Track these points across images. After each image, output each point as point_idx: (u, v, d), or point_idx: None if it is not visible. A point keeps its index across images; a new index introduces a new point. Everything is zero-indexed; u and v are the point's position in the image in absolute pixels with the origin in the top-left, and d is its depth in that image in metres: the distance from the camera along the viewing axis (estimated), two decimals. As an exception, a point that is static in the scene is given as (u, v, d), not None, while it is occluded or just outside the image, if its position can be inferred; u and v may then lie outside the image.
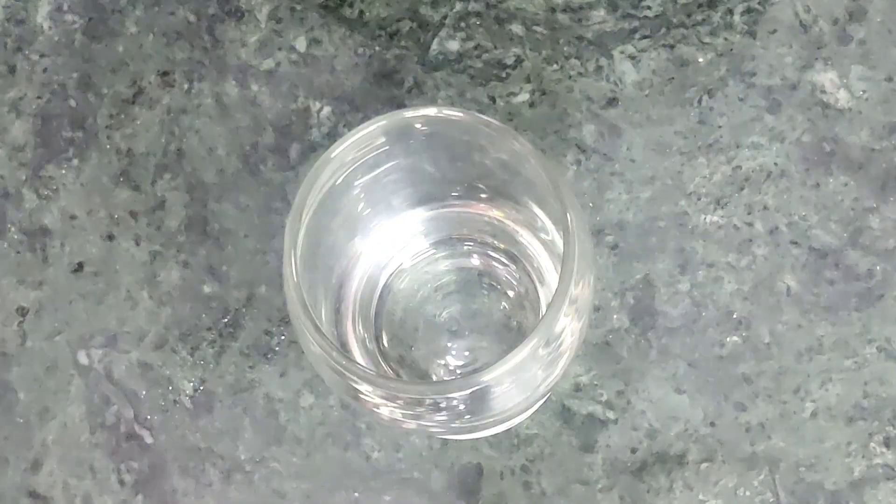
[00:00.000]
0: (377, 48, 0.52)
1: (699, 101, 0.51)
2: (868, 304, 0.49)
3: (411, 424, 0.38)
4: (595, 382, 0.49)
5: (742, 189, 0.50)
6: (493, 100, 0.52)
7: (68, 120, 0.53)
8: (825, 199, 0.50)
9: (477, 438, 0.49)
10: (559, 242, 0.36)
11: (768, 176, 0.50)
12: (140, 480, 0.50)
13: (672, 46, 0.52)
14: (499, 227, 0.44)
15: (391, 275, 0.45)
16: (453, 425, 0.38)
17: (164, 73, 0.53)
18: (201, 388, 0.50)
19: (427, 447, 0.49)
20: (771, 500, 0.47)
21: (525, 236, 0.43)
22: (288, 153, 0.52)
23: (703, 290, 0.49)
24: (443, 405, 0.37)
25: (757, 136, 0.50)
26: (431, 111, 0.38)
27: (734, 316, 0.49)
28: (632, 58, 0.52)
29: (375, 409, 0.38)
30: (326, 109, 0.52)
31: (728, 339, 0.49)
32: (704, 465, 0.48)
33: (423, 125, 0.38)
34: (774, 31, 0.51)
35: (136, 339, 0.51)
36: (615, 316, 0.49)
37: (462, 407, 0.37)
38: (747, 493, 0.48)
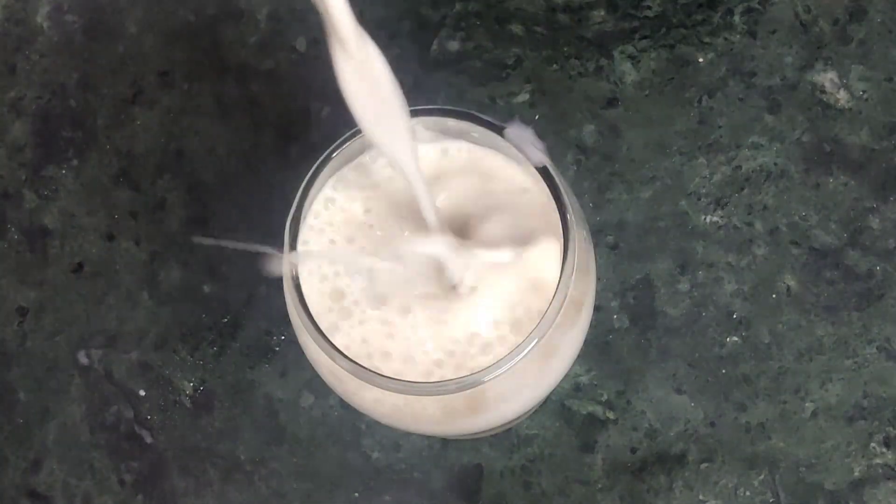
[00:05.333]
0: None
1: (699, 101, 0.51)
2: (868, 304, 0.49)
3: (411, 423, 0.38)
4: (595, 382, 0.49)
5: (742, 189, 0.50)
6: (493, 100, 0.52)
7: (68, 120, 0.53)
8: (825, 199, 0.50)
9: (477, 438, 0.49)
10: (560, 242, 0.36)
11: (768, 176, 0.50)
12: (140, 480, 0.50)
13: (672, 46, 0.52)
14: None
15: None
16: (453, 425, 0.38)
17: (164, 73, 0.53)
18: (201, 388, 0.50)
19: (427, 447, 0.49)
20: (771, 500, 0.47)
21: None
22: (288, 153, 0.52)
23: (703, 290, 0.49)
24: (443, 404, 0.37)
25: (757, 136, 0.51)
26: (431, 114, 0.38)
27: (734, 316, 0.49)
28: (632, 58, 0.52)
29: (375, 409, 0.38)
30: (326, 109, 0.52)
31: (728, 339, 0.49)
32: (704, 465, 0.48)
33: (422, 126, 0.38)
34: (774, 31, 0.51)
35: (136, 339, 0.51)
36: (615, 316, 0.49)
37: (462, 406, 0.37)
38: (747, 493, 0.48)
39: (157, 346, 0.51)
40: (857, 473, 0.47)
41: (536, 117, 0.51)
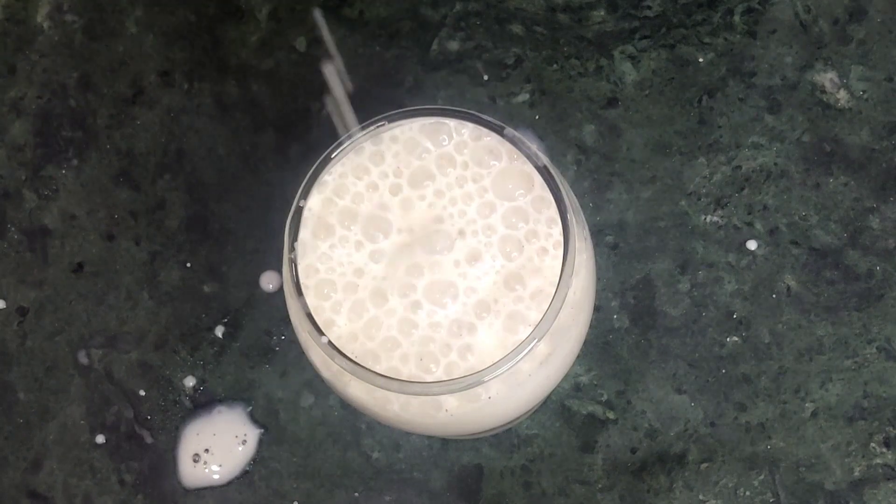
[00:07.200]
0: (377, 48, 0.52)
1: (699, 101, 0.51)
2: (868, 304, 0.49)
3: (412, 422, 0.38)
4: (595, 382, 0.49)
5: (742, 189, 0.50)
6: (493, 100, 0.52)
7: (68, 120, 0.53)
8: (825, 199, 0.50)
9: (477, 438, 0.49)
10: (560, 243, 0.36)
11: (768, 176, 0.50)
12: (140, 480, 0.50)
13: (672, 46, 0.52)
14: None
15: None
16: (453, 425, 0.38)
17: (164, 73, 0.53)
18: (201, 388, 0.50)
19: (427, 447, 0.49)
20: (771, 500, 0.47)
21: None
22: (288, 153, 0.52)
23: (703, 290, 0.49)
24: (443, 404, 0.37)
25: (757, 136, 0.51)
26: (431, 115, 0.38)
27: (734, 316, 0.49)
28: (632, 58, 0.52)
29: (375, 408, 0.38)
30: (327, 109, 0.52)
31: (728, 339, 0.49)
32: (704, 465, 0.48)
33: (423, 126, 0.38)
34: (774, 31, 0.51)
35: (136, 339, 0.51)
36: (615, 316, 0.49)
37: (462, 406, 0.37)
38: (747, 493, 0.48)
39: (157, 346, 0.51)
40: (857, 473, 0.47)
41: (536, 117, 0.51)
